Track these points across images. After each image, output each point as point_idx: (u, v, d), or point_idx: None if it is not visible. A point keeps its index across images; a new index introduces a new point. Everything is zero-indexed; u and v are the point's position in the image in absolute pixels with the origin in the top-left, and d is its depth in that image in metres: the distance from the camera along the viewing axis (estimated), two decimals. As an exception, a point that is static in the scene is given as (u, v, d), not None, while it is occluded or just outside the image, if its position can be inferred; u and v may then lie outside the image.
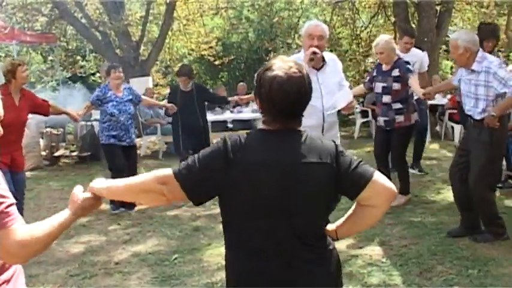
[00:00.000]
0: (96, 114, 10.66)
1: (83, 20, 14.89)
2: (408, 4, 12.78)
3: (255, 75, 2.62)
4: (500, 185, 8.55)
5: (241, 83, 16.44)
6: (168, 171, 2.53)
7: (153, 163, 11.72)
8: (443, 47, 17.63)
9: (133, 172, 7.92)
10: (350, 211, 2.70)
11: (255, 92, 2.61)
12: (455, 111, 11.42)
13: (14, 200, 2.30)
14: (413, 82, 7.41)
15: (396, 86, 7.43)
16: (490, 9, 17.89)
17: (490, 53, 6.70)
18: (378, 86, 7.59)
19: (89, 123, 12.42)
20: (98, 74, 17.27)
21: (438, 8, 12.50)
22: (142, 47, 15.60)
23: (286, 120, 2.55)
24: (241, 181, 2.47)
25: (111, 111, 8.06)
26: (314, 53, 5.37)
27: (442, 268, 5.44)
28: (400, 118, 7.52)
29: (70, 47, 20.01)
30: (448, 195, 7.60)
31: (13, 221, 2.25)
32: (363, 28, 16.30)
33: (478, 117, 6.06)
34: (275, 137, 2.54)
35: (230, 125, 13.20)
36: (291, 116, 2.56)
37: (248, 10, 21.87)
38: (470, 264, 5.44)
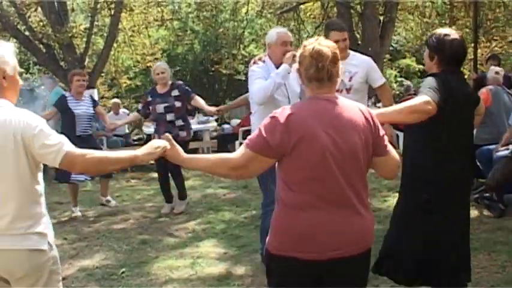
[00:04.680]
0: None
1: (26, 32, 14.63)
2: (352, 14, 12.91)
3: (432, 38, 3.96)
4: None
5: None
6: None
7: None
8: (387, 56, 17.94)
9: None
10: None
11: (434, 50, 3.94)
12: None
13: None
14: None
15: (178, 104, 8.39)
16: (432, 19, 18.32)
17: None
18: (160, 107, 8.36)
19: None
20: (42, 87, 16.99)
21: (382, 18, 12.68)
22: (87, 59, 15.35)
23: (459, 66, 4.05)
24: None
25: None
26: (295, 55, 5.39)
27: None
28: (183, 133, 8.45)
29: (13, 60, 19.63)
30: (394, 202, 7.66)
31: None
32: (308, 38, 16.41)
33: None
34: (458, 77, 3.99)
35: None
36: (461, 62, 4.03)
37: (193, 21, 21.88)
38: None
